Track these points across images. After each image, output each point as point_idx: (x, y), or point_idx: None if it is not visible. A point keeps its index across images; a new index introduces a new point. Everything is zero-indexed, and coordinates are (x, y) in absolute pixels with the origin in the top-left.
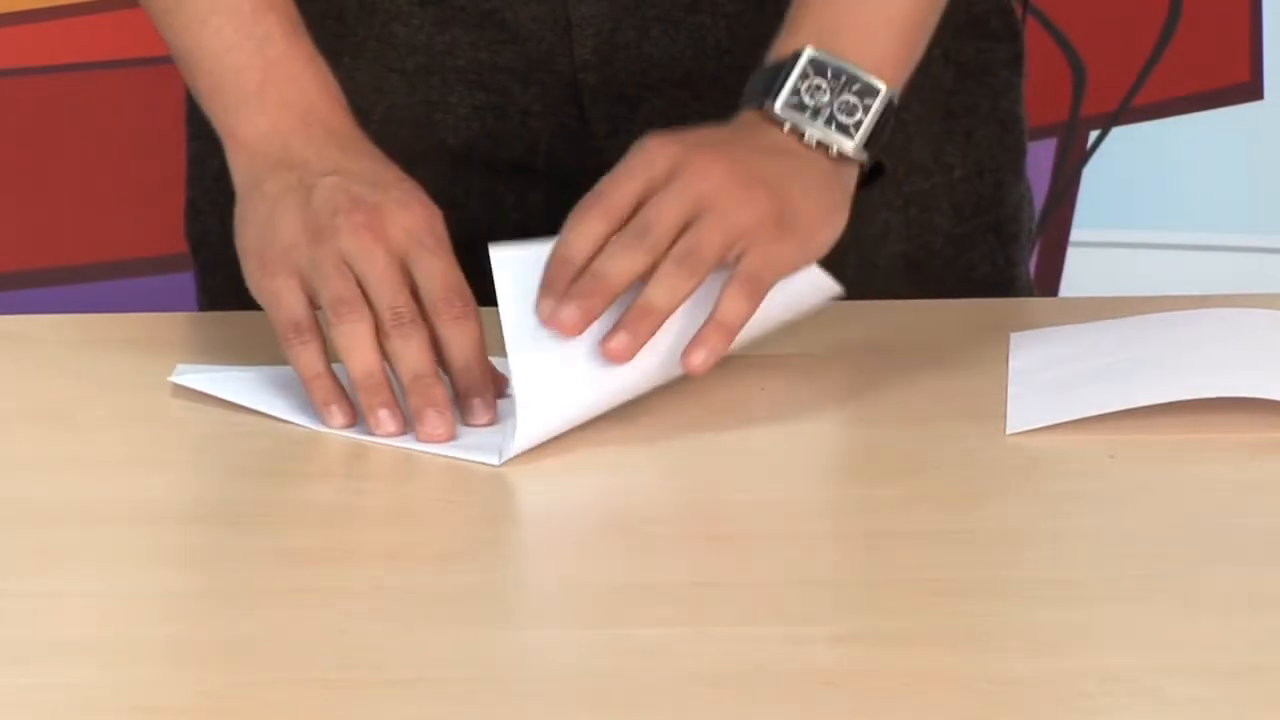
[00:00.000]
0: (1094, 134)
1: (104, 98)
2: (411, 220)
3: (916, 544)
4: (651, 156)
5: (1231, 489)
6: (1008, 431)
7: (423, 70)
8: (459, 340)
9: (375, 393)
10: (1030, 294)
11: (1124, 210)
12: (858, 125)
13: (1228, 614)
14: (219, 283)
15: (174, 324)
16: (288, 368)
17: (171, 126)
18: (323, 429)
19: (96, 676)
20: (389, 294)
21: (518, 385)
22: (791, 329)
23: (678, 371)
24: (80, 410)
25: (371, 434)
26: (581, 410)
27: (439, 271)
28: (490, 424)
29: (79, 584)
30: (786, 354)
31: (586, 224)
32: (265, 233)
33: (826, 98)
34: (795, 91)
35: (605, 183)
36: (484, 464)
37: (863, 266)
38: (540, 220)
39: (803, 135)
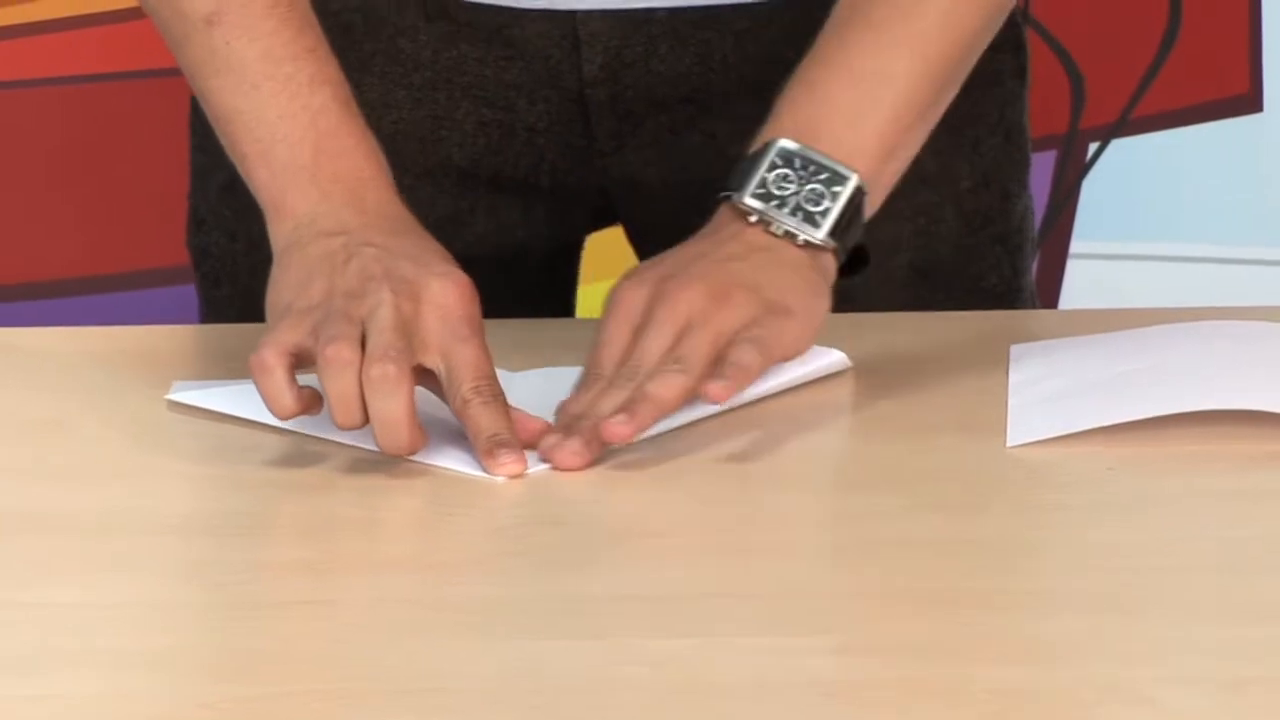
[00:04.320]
0: (1093, 146)
1: (105, 110)
2: (447, 304)
3: (918, 555)
4: (626, 304)
5: (1231, 501)
6: (1008, 444)
7: (429, 86)
8: (488, 420)
9: (401, 449)
10: (1034, 305)
11: (1123, 222)
12: (824, 214)
13: (1227, 625)
14: (223, 295)
15: (174, 336)
16: None
17: (173, 139)
18: (320, 438)
19: (95, 687)
20: (389, 334)
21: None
22: None
23: (674, 424)
24: (80, 422)
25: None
26: None
27: (470, 359)
28: (521, 470)
29: (78, 595)
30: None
31: (585, 392)
32: (297, 290)
33: (793, 187)
34: (763, 183)
35: (593, 349)
36: (485, 477)
37: (871, 278)
38: (542, 238)
39: (769, 225)
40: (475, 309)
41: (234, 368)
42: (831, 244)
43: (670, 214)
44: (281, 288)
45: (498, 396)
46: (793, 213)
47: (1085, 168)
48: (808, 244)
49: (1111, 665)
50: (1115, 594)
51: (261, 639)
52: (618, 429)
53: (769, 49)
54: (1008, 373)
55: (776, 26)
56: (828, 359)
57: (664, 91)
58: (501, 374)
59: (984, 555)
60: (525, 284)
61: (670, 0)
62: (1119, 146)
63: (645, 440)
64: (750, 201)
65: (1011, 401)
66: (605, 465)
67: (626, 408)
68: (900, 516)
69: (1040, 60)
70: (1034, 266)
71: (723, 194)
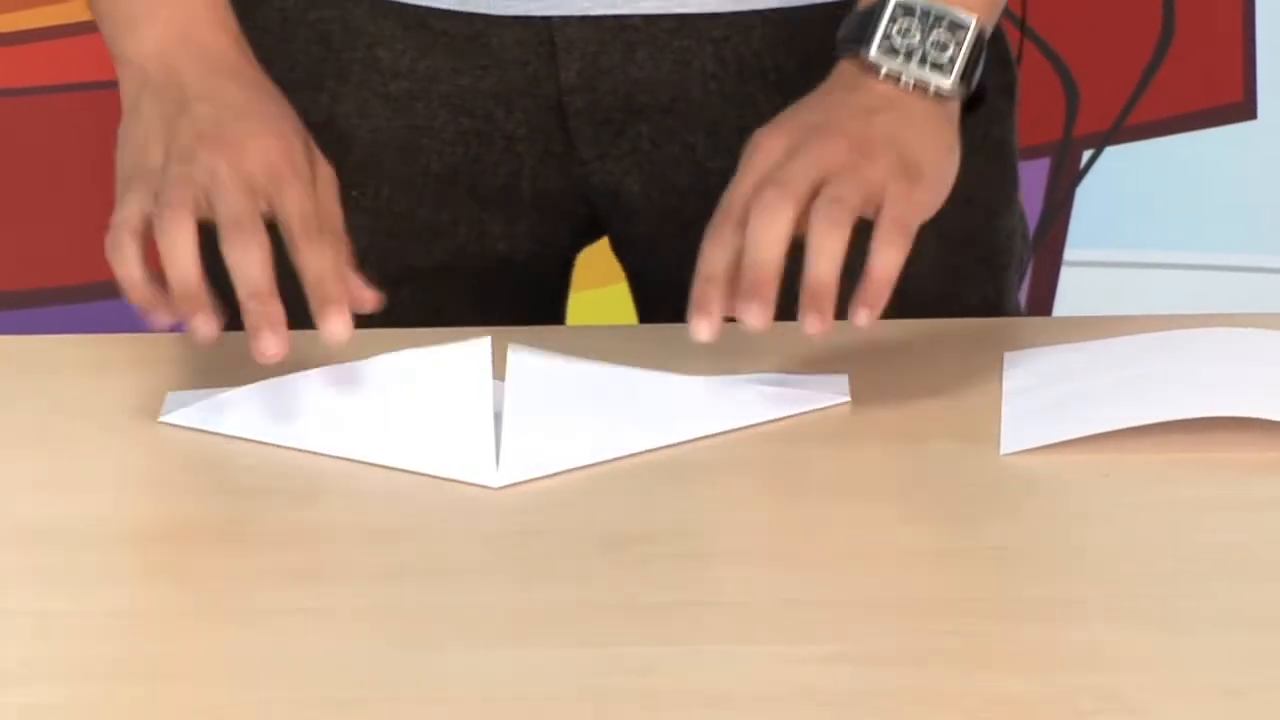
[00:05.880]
0: (1087, 153)
1: (101, 117)
2: (268, 149)
3: (911, 563)
4: (766, 151)
5: (1227, 508)
6: (1002, 451)
7: (407, 95)
8: (313, 259)
9: (189, 301)
10: None
11: (1117, 230)
12: (951, 61)
13: (1224, 633)
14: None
15: (168, 344)
16: (275, 381)
17: None
18: (318, 451)
19: (92, 696)
20: (232, 200)
21: (509, 418)
22: (784, 349)
23: (674, 439)
24: (75, 430)
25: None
26: (571, 451)
27: (296, 201)
28: (346, 335)
29: (73, 603)
30: (780, 374)
31: (720, 239)
32: (138, 154)
33: (917, 38)
34: (887, 36)
35: (728, 193)
36: (480, 486)
37: (852, 298)
38: (525, 251)
39: (899, 79)
40: (297, 156)
41: (226, 376)
42: (960, 92)
43: (651, 226)
44: (125, 150)
45: (327, 237)
46: (920, 64)
47: (1079, 175)
48: (936, 93)
49: (1107, 674)
50: (1111, 602)
51: (253, 647)
52: (819, 326)
53: (747, 59)
54: (1002, 380)
55: (756, 37)
56: (832, 394)
57: (643, 99)
58: (484, 344)
59: (978, 563)
60: (511, 295)
61: (646, 7)
62: (1113, 154)
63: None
64: (877, 56)
65: (1006, 409)
66: (593, 473)
67: (809, 307)
68: (894, 524)
69: (1035, 68)
70: (1024, 285)
71: (842, 47)
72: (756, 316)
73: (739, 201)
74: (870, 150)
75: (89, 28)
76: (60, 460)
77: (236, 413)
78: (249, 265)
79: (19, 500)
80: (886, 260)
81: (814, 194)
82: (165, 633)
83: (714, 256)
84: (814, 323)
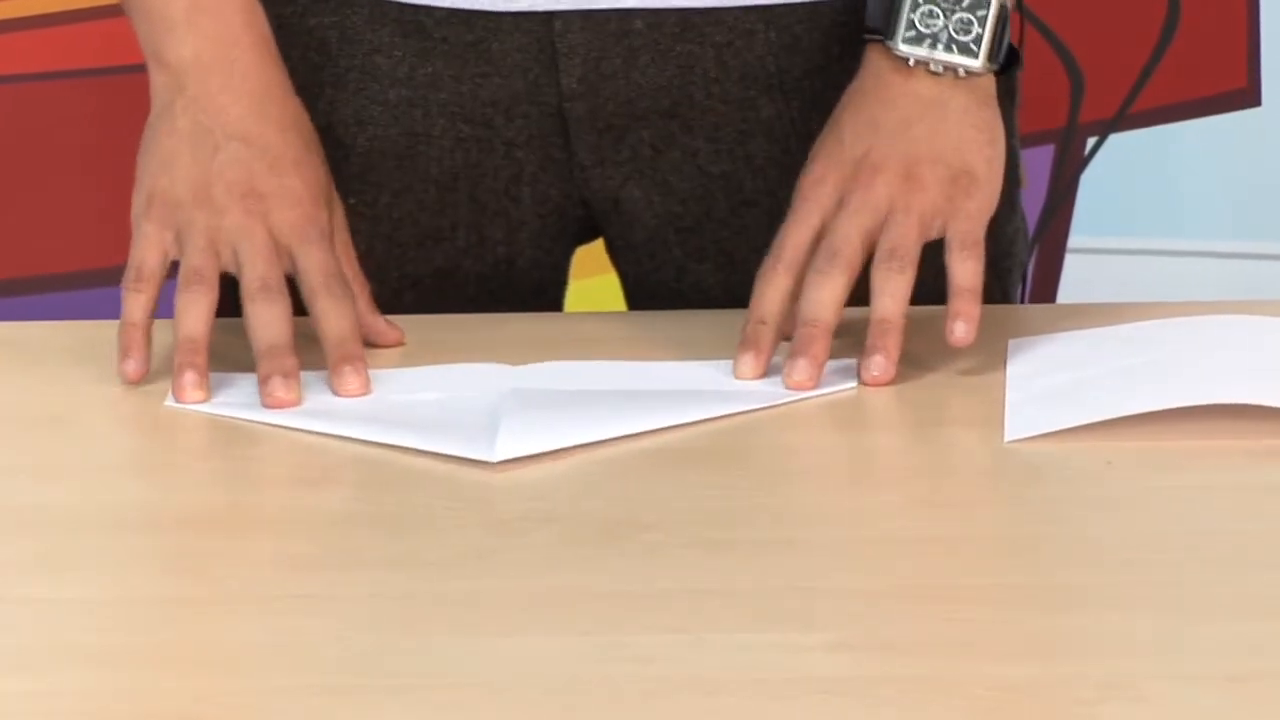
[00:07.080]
0: (1091, 140)
1: (99, 104)
2: (295, 215)
3: (914, 551)
4: (816, 199)
5: (1230, 495)
6: (1006, 439)
7: (405, 102)
8: (334, 315)
9: (190, 354)
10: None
11: (1122, 217)
12: (977, 41)
13: (1227, 620)
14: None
15: (171, 330)
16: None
17: None
18: (322, 432)
19: (95, 683)
20: (262, 265)
21: (510, 399)
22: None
23: (673, 420)
24: (79, 416)
25: (178, 397)
26: (572, 428)
27: (318, 259)
28: (364, 392)
29: (78, 590)
30: (783, 361)
31: (774, 283)
32: (164, 172)
33: (941, 21)
34: (911, 24)
35: (780, 238)
36: (479, 460)
37: (855, 303)
38: (525, 255)
39: (928, 65)
40: (319, 215)
41: (231, 361)
42: (991, 68)
43: (650, 232)
44: (151, 155)
45: (346, 293)
46: (947, 47)
47: (1083, 162)
48: (967, 74)
49: (1111, 661)
50: (1114, 589)
51: (261, 634)
52: (880, 377)
53: (750, 63)
54: (1005, 367)
55: (759, 42)
56: (839, 380)
57: (644, 105)
58: (504, 368)
59: (982, 551)
60: (510, 299)
61: (649, 0)
62: (1117, 141)
63: (642, 433)
64: (906, 48)
65: (1009, 396)
66: (597, 460)
67: (876, 347)
68: (897, 512)
69: (1039, 55)
70: (1030, 266)
71: (868, 37)
72: (803, 372)
73: (792, 250)
74: (918, 176)
75: (84, 15)
76: (65, 446)
77: (242, 397)
78: (270, 324)
79: (24, 487)
80: (966, 271)
81: (869, 244)
82: (170, 619)
83: (767, 300)
84: (880, 363)
